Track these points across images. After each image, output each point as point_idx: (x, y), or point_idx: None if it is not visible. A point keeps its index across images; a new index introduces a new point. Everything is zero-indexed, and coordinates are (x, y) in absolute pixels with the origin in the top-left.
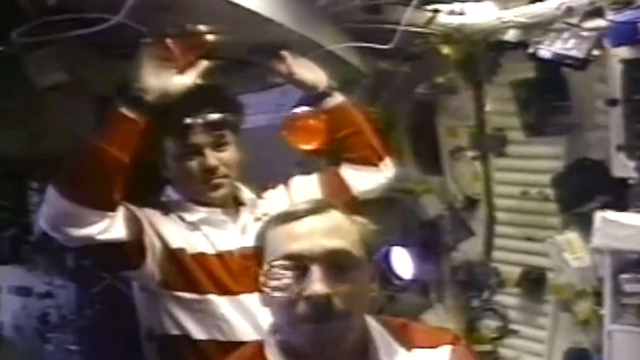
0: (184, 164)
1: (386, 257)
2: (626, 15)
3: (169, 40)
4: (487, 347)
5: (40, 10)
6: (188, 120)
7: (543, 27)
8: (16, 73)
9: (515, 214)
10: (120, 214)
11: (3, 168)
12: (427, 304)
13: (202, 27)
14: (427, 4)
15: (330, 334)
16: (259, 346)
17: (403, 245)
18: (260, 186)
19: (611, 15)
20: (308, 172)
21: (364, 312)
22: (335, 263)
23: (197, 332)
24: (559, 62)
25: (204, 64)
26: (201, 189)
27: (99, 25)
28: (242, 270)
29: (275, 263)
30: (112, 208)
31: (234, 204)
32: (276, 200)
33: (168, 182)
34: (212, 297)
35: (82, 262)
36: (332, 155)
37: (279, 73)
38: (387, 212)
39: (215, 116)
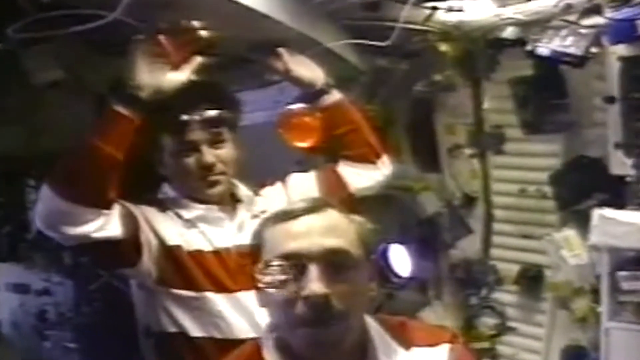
0: (180, 161)
1: (384, 254)
2: (624, 12)
3: (161, 37)
4: (485, 345)
5: (37, 6)
6: (185, 117)
7: (541, 24)
8: (13, 70)
9: (513, 212)
10: (115, 212)
11: (0, 166)
12: (425, 301)
13: (195, 23)
14: (426, 1)
15: (328, 337)
16: (256, 346)
17: (401, 242)
18: (258, 183)
19: (609, 13)
20: (306, 170)
21: (362, 312)
22: (333, 262)
23: (194, 330)
24: (557, 59)
25: (198, 59)
26: (198, 186)
27: (96, 22)
28: (239, 268)
29: (272, 262)
30: (108, 206)
31: (231, 201)
32: (273, 197)
33: (165, 179)
34: (209, 295)
35: (80, 260)
36: (330, 152)
37: (276, 70)
38: (385, 209)
39: (212, 113)
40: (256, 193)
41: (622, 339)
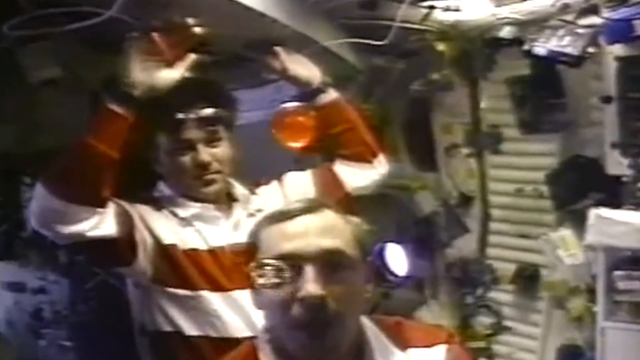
0: (176, 160)
1: (381, 253)
2: (621, 12)
3: (155, 34)
4: (481, 344)
5: (34, 4)
6: (181, 116)
7: (538, 24)
8: (10, 68)
9: (510, 211)
10: (110, 210)
11: None
12: (421, 300)
13: (189, 20)
14: (423, 0)
15: (324, 339)
16: (252, 347)
17: (398, 241)
18: (254, 182)
19: (606, 13)
20: (302, 169)
21: (359, 313)
22: (329, 263)
23: (190, 328)
24: (554, 59)
25: (192, 57)
26: (194, 185)
27: (92, 20)
28: (235, 267)
29: (267, 261)
30: (102, 204)
31: (227, 200)
32: (270, 196)
33: (160, 178)
34: (205, 294)
35: (76, 258)
36: (326, 151)
37: (273, 69)
38: (382, 208)
39: (208, 111)
40: (252, 192)
41: (618, 338)
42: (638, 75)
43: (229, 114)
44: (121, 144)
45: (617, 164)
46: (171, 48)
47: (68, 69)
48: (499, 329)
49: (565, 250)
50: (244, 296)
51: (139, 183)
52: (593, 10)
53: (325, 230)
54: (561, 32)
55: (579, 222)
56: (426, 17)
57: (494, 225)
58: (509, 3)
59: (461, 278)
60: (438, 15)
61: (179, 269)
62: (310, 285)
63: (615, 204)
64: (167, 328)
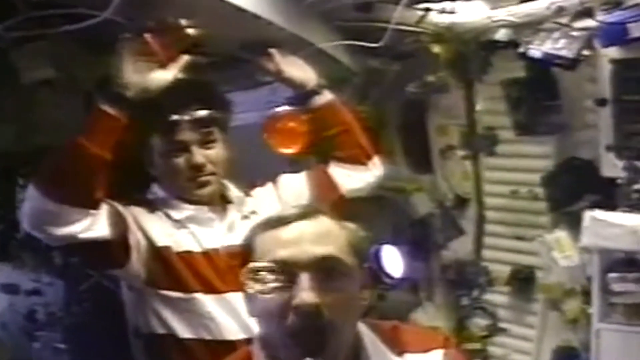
0: (170, 161)
1: (376, 255)
2: (616, 15)
3: (147, 35)
4: (477, 346)
5: (29, 5)
6: (175, 117)
7: (533, 26)
8: (5, 68)
9: (505, 213)
10: (103, 212)
11: None
12: (417, 302)
13: (182, 21)
14: (418, 2)
15: (319, 347)
16: (247, 354)
17: (393, 243)
18: (248, 184)
19: (601, 16)
20: (297, 171)
21: (354, 320)
22: (324, 270)
23: (184, 331)
24: (549, 61)
25: (185, 58)
26: (188, 187)
27: (88, 21)
28: (229, 269)
29: (261, 266)
30: (95, 206)
31: (221, 202)
32: (264, 198)
33: (154, 180)
34: (199, 296)
35: (70, 260)
36: (321, 153)
37: (268, 71)
38: (378, 210)
39: (202, 113)
40: (247, 194)
41: (613, 340)
42: (633, 78)
43: (223, 115)
44: (113, 145)
45: (612, 166)
46: (164, 49)
47: (63, 69)
48: (494, 330)
49: (560, 252)
50: (238, 298)
51: (133, 185)
52: (588, 13)
53: (320, 237)
54: (556, 34)
55: (574, 224)
56: (421, 19)
57: (489, 227)
58: (504, 5)
59: (456, 280)
60: (433, 17)
61: (172, 271)
62: (305, 293)
63: (610, 206)
64: (161, 330)
